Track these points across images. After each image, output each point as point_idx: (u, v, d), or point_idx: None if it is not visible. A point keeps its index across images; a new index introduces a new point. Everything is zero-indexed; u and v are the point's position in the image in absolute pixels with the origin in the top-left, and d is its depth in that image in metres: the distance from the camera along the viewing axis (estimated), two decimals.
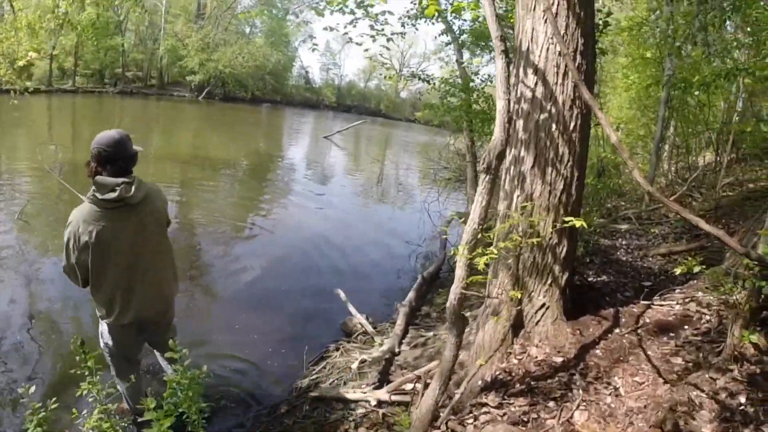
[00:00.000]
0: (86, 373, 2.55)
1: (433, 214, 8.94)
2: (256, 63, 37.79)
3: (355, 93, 50.13)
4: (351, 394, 3.55)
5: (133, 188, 2.66)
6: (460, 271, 2.54)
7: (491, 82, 6.76)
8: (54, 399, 2.53)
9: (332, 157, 19.13)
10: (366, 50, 6.81)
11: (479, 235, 2.49)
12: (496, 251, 2.55)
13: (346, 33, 6.11)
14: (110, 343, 2.98)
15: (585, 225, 2.76)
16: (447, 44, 7.41)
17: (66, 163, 12.58)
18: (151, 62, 39.45)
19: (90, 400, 2.55)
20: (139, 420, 2.50)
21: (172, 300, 3.20)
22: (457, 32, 6.83)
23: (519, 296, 3.02)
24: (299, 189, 12.12)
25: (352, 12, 5.35)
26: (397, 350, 4.15)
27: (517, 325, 3.44)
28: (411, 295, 5.33)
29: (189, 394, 2.37)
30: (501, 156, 2.48)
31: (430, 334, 4.38)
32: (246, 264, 6.61)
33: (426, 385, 3.09)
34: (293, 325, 5.08)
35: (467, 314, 3.19)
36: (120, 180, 2.62)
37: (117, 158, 2.68)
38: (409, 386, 3.49)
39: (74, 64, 34.32)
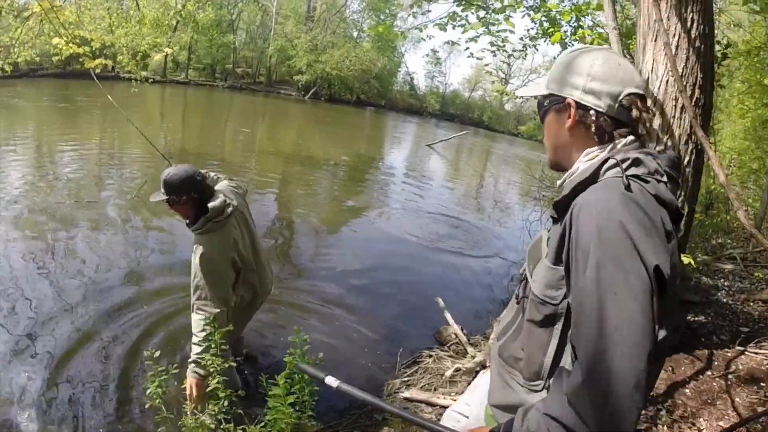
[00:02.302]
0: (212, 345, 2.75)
1: (533, 233, 8.66)
2: (362, 67, 38.67)
3: (459, 102, 50.06)
4: (441, 400, 3.68)
5: (231, 199, 3.00)
6: None
7: None
8: (175, 365, 2.74)
9: (432, 165, 19.11)
10: (486, 65, 6.90)
11: None
12: None
13: (467, 48, 6.24)
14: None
15: (692, 262, 2.75)
16: None
17: (175, 149, 13.62)
18: (260, 60, 41.51)
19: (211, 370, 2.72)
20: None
21: None
22: None
23: None
24: (397, 193, 12.30)
25: (477, 28, 5.44)
26: (488, 364, 4.21)
27: None
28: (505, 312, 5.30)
29: (304, 377, 2.55)
30: None
31: None
32: (342, 262, 6.84)
33: None
34: (388, 327, 5.19)
35: None
36: (222, 198, 2.91)
37: (209, 186, 2.99)
38: None
39: (188, 58, 36.83)
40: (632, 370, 0.99)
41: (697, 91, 3.26)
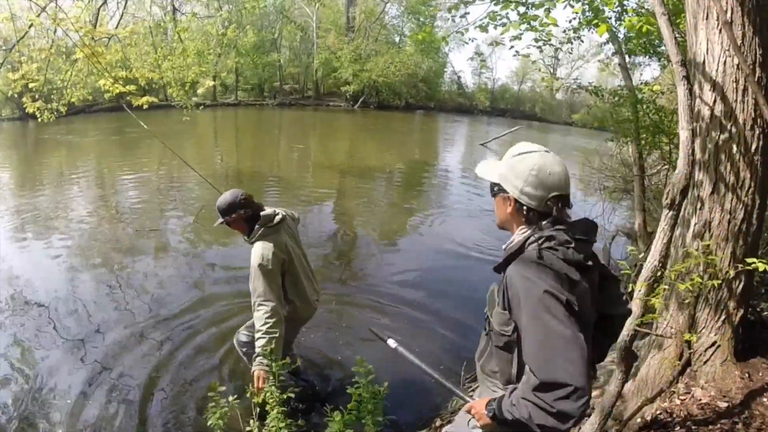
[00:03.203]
0: (270, 378, 2.88)
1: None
2: (407, 71, 38.44)
3: (509, 96, 49.02)
4: None
5: (280, 210, 3.53)
6: (635, 308, 2.42)
7: (662, 93, 6.26)
8: (236, 396, 2.83)
9: None
10: (533, 62, 6.68)
11: (659, 273, 2.35)
12: (671, 288, 2.37)
13: (512, 47, 6.06)
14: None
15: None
16: (613, 54, 6.99)
17: (230, 170, 13.97)
18: (306, 75, 41.96)
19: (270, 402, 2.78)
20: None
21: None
22: (622, 39, 6.40)
23: (694, 340, 2.78)
24: (453, 197, 12.18)
25: (517, 25, 5.23)
26: None
27: (684, 363, 3.19)
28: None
29: (369, 408, 2.61)
30: (685, 191, 2.32)
31: None
32: (399, 272, 6.81)
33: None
34: (451, 338, 5.13)
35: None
36: (271, 209, 3.49)
37: (256, 202, 3.48)
38: None
39: (235, 80, 37.80)
40: (575, 363, 1.56)
41: (758, 70, 2.92)
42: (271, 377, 2.91)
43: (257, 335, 3.21)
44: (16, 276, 6.32)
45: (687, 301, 3.03)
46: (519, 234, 1.86)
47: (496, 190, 1.91)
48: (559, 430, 1.60)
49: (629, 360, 2.55)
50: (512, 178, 1.83)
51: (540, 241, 1.73)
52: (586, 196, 12.19)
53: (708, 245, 2.97)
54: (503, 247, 1.90)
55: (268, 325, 3.17)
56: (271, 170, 14.80)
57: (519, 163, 1.82)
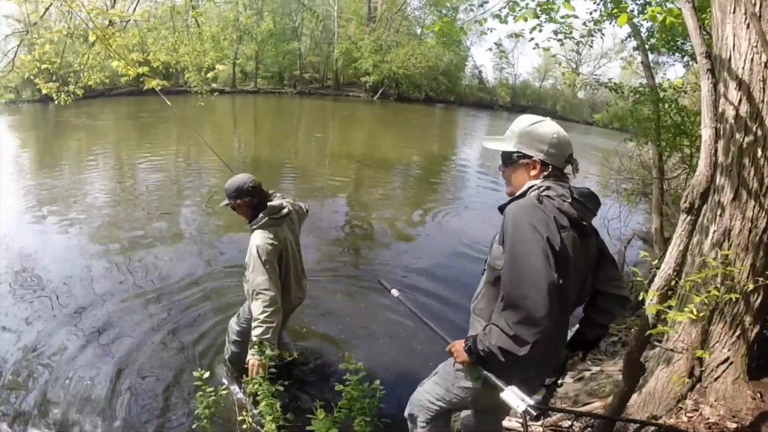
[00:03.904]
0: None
1: (612, 230, 8.14)
2: (428, 63, 38.24)
3: (530, 93, 48.54)
4: (506, 422, 3.39)
5: (288, 203, 3.47)
6: (646, 318, 2.29)
7: (685, 92, 6.03)
8: (224, 386, 2.87)
9: None
10: (553, 56, 6.51)
11: (673, 282, 2.20)
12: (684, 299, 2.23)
13: (532, 39, 5.89)
14: None
15: None
16: (634, 49, 6.77)
17: (248, 157, 14.00)
18: (326, 64, 41.98)
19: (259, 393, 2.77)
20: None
21: None
22: (645, 34, 6.19)
23: (706, 356, 2.63)
24: (470, 193, 12.09)
25: (537, 16, 5.06)
26: (560, 380, 3.88)
27: (690, 373, 3.02)
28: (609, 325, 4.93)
29: (360, 406, 2.56)
30: (705, 195, 2.16)
31: (597, 368, 4.04)
32: (412, 261, 6.75)
33: (585, 427, 2.85)
34: (459, 326, 4.99)
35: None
36: (279, 201, 3.44)
37: (264, 191, 3.45)
38: (566, 423, 3.25)
39: (255, 67, 38.04)
40: (540, 293, 1.72)
41: None
42: (261, 369, 2.91)
43: (254, 323, 3.17)
44: (27, 254, 6.44)
45: (702, 314, 2.86)
46: (527, 185, 2.02)
47: (515, 157, 2.07)
48: (517, 355, 1.76)
49: (636, 372, 2.42)
50: (535, 142, 2.02)
51: (541, 189, 1.93)
52: (603, 197, 11.96)
53: (727, 255, 2.79)
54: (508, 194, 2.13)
55: (266, 314, 3.14)
56: (289, 158, 14.85)
57: (537, 129, 2.04)
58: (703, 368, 2.98)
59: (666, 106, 5.65)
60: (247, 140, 18.19)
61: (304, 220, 3.83)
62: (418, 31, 42.39)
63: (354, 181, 12.34)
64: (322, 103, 34.34)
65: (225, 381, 3.93)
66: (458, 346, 2.08)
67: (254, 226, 3.35)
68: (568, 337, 2.36)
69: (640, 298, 2.35)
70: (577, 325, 2.37)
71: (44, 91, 7.03)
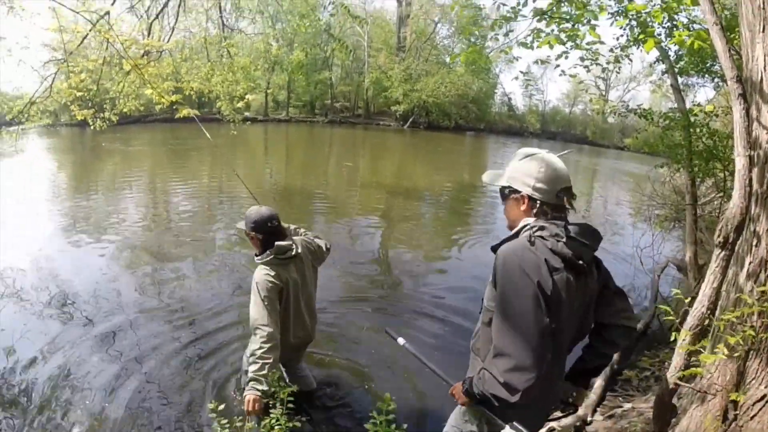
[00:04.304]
0: (278, 404, 2.87)
1: (645, 259, 7.94)
2: (458, 92, 38.55)
3: (560, 119, 48.40)
4: None
5: (297, 246, 3.43)
6: (677, 359, 2.18)
7: (716, 115, 5.88)
8: (240, 419, 2.88)
9: None
10: (580, 82, 6.42)
11: (707, 321, 2.09)
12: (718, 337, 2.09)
13: (558, 66, 5.84)
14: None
15: None
16: (663, 72, 6.64)
17: (279, 185, 14.14)
18: (357, 93, 42.64)
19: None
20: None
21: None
22: (673, 57, 6.06)
23: (741, 400, 2.48)
24: (501, 222, 11.88)
25: (562, 42, 5.01)
26: (589, 419, 3.74)
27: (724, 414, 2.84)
28: (614, 356, 4.71)
29: None
30: (740, 228, 2.05)
31: (628, 405, 3.87)
32: (439, 300, 6.60)
33: None
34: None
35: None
36: (290, 242, 3.40)
37: (280, 231, 3.42)
38: None
39: (287, 96, 38.85)
40: (530, 340, 1.71)
41: None
42: (278, 404, 2.85)
43: (251, 359, 3.18)
44: (58, 274, 6.61)
45: (737, 354, 2.70)
46: (521, 223, 2.01)
47: (507, 192, 2.08)
48: (509, 402, 1.76)
49: (666, 415, 2.29)
50: (523, 177, 2.00)
51: (533, 230, 1.90)
52: (635, 224, 11.71)
53: (764, 291, 2.64)
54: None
55: (263, 350, 3.14)
56: (320, 187, 14.97)
57: (527, 164, 2.01)
58: (738, 410, 2.81)
59: (697, 130, 5.49)
60: (278, 168, 18.43)
61: (322, 260, 3.81)
62: (447, 59, 42.75)
63: (384, 210, 12.33)
64: (353, 132, 34.68)
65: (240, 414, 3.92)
66: (458, 387, 2.08)
67: (259, 261, 3.37)
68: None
69: (672, 338, 2.23)
70: (581, 352, 2.29)
71: (79, 118, 7.23)
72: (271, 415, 2.81)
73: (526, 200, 1.99)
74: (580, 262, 1.88)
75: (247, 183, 6.45)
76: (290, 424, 2.80)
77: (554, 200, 1.96)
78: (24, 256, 7.10)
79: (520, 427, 1.82)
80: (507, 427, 1.85)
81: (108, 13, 6.27)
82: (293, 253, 3.38)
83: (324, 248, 3.77)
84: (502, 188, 2.10)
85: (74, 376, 4.34)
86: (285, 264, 3.37)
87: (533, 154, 2.04)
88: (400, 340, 2.71)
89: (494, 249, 1.99)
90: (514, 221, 2.08)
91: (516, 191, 2.02)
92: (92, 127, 7.87)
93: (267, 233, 3.35)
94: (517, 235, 1.96)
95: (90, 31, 6.15)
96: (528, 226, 1.94)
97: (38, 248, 7.49)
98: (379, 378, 4.55)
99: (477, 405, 2.00)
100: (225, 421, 2.72)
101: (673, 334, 2.23)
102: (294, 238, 3.52)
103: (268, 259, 3.31)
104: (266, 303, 3.22)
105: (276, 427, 2.76)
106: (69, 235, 8.41)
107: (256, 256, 3.43)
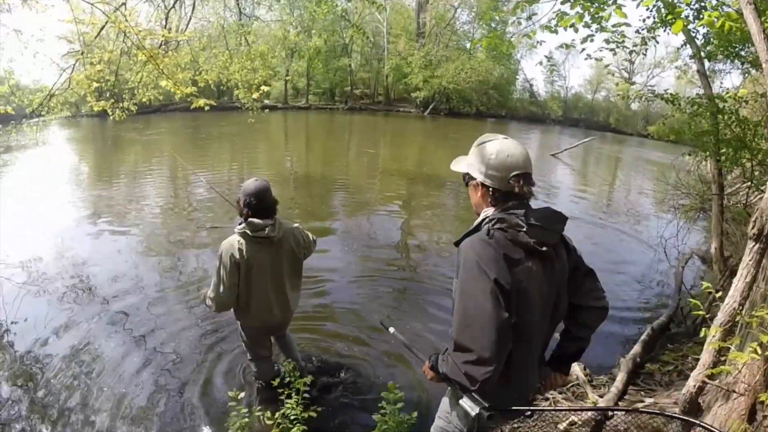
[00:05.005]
0: (293, 393, 2.95)
1: (670, 249, 7.73)
2: (479, 78, 38.15)
3: (582, 105, 47.60)
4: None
5: (276, 229, 3.41)
6: (706, 356, 2.08)
7: (746, 102, 5.65)
8: (259, 408, 2.96)
9: (558, 175, 17.93)
10: (606, 66, 6.25)
11: (737, 318, 1.99)
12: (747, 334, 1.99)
13: (583, 50, 5.68)
14: (244, 337, 3.85)
15: None
16: (690, 57, 6.43)
17: (300, 172, 14.14)
18: (377, 80, 42.50)
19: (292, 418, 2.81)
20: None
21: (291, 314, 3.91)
22: (701, 41, 5.84)
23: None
24: None
25: (588, 25, 4.87)
26: (610, 413, 3.65)
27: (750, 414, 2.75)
28: (636, 348, 4.64)
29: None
30: None
31: (650, 400, 3.78)
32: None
33: None
34: None
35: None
36: (269, 222, 3.38)
37: (261, 208, 3.38)
38: None
39: (307, 84, 38.82)
40: (488, 335, 1.75)
41: None
42: (293, 394, 2.95)
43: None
44: (80, 262, 6.74)
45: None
46: (482, 215, 2.04)
47: (467, 179, 2.12)
48: (470, 389, 1.82)
49: (693, 414, 2.20)
50: (477, 164, 2.04)
51: (492, 222, 1.92)
52: (659, 213, 11.48)
53: None
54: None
55: (207, 303, 3.51)
56: (341, 174, 15.02)
57: (481, 151, 2.04)
58: (766, 410, 2.71)
59: (725, 117, 5.28)
60: (299, 156, 18.44)
61: (309, 251, 3.83)
62: (468, 45, 42.26)
63: (405, 196, 12.26)
64: (373, 119, 34.58)
65: (257, 400, 3.94)
66: (427, 364, 2.18)
67: (235, 230, 3.44)
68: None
69: (702, 334, 2.14)
70: (558, 338, 2.32)
71: (96, 108, 7.25)
72: (287, 405, 2.88)
73: (480, 187, 2.03)
74: (544, 248, 1.90)
75: (267, 170, 6.40)
76: (305, 414, 2.84)
77: (505, 186, 1.96)
78: (47, 245, 7.20)
79: (476, 397, 1.86)
80: (465, 397, 1.90)
81: (124, 3, 6.26)
82: (265, 233, 3.37)
83: (303, 240, 3.77)
84: (464, 175, 2.14)
85: (94, 363, 4.41)
86: (257, 242, 3.40)
87: (489, 141, 2.06)
88: (391, 329, 2.79)
89: (457, 244, 1.99)
90: (477, 207, 2.12)
91: (473, 178, 2.06)
92: (112, 118, 7.91)
93: (247, 206, 3.39)
94: (478, 228, 1.98)
95: (106, 24, 6.14)
96: (487, 219, 1.97)
97: (59, 236, 7.60)
98: (394, 368, 4.54)
99: (443, 379, 2.04)
100: (245, 410, 2.80)
101: (703, 330, 2.12)
102: (281, 222, 3.52)
103: (240, 231, 3.38)
104: (224, 269, 3.35)
105: (292, 417, 2.83)
106: (90, 223, 8.56)
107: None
